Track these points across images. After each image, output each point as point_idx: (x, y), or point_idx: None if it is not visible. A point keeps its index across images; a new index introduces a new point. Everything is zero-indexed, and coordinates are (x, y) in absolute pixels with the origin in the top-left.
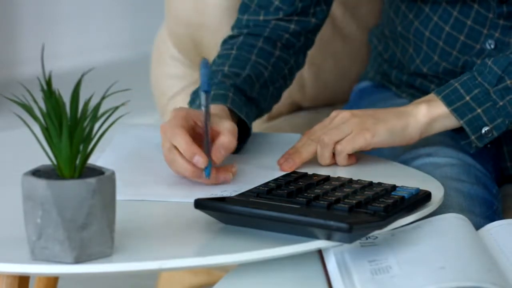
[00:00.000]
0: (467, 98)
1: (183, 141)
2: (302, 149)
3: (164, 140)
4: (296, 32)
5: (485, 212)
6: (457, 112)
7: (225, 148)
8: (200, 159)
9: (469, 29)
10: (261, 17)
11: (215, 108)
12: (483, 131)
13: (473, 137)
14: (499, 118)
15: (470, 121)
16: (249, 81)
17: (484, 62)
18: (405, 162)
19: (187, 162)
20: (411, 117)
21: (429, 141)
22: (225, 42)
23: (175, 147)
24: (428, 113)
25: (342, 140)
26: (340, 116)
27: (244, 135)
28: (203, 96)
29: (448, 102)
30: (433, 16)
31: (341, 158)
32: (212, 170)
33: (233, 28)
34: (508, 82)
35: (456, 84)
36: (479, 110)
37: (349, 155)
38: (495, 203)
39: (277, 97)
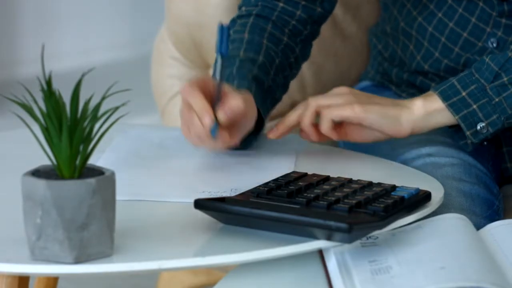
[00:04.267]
0: (463, 93)
1: (198, 100)
2: (286, 115)
3: (184, 102)
4: (302, 19)
5: (485, 211)
6: (453, 107)
7: (230, 109)
8: (207, 119)
9: (473, 26)
10: None
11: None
12: (478, 127)
13: (468, 133)
14: (495, 115)
15: (465, 116)
16: (264, 68)
17: (483, 59)
18: (406, 162)
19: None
20: (406, 108)
21: (430, 141)
22: (234, 22)
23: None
24: (423, 107)
25: (329, 108)
26: (338, 89)
27: (257, 130)
28: (219, 57)
29: (444, 97)
30: (438, 12)
31: (325, 123)
32: (220, 133)
33: (240, 6)
34: (505, 79)
35: (453, 80)
36: (474, 106)
37: (337, 130)
38: (496, 202)
39: (285, 87)
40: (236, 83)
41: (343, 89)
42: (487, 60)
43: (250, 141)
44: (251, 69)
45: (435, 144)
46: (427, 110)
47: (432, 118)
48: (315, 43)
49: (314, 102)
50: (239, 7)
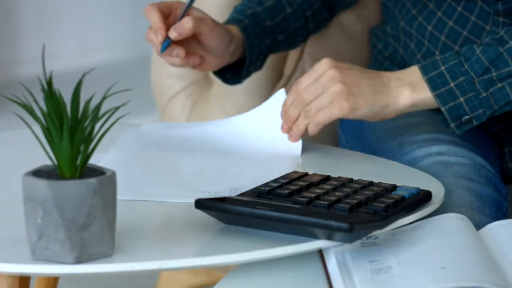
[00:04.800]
0: (452, 84)
1: (154, 17)
2: (295, 127)
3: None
4: None
5: (494, 212)
6: (440, 98)
7: (180, 26)
8: (158, 35)
9: (473, 24)
10: None
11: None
12: (463, 119)
13: (452, 125)
14: (481, 109)
15: (451, 109)
16: (270, 10)
17: (473, 49)
18: (415, 160)
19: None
20: (393, 97)
21: (439, 140)
22: None
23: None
24: (410, 98)
25: (319, 112)
26: (326, 76)
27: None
28: None
29: (433, 86)
30: (437, 11)
31: (314, 129)
32: (174, 48)
33: None
34: (494, 74)
35: (442, 68)
36: (461, 99)
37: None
38: (505, 204)
39: (296, 36)
40: (229, 17)
41: (330, 74)
42: (477, 51)
43: (240, 77)
44: (254, 7)
45: (444, 143)
46: (413, 100)
47: (417, 106)
48: (318, 41)
49: (304, 111)
50: None
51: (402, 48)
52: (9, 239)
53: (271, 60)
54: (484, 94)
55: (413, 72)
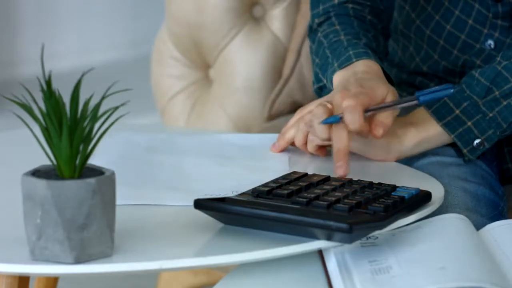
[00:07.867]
0: (457, 111)
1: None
2: (284, 130)
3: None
4: (375, 11)
5: (490, 212)
6: (448, 126)
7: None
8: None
9: (470, 28)
10: (336, 1)
11: (371, 68)
12: (474, 143)
13: (465, 151)
14: (490, 130)
15: (461, 134)
16: (370, 44)
17: (472, 74)
18: (411, 161)
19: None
20: (396, 137)
21: None
22: (315, 31)
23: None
24: (415, 137)
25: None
26: (338, 103)
27: None
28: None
29: (439, 117)
30: (435, 15)
31: (311, 147)
32: None
33: (312, 21)
34: (497, 93)
35: (445, 98)
36: (469, 123)
37: (320, 147)
38: (501, 204)
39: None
40: (352, 52)
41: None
42: (476, 75)
43: None
44: (363, 41)
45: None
46: (419, 139)
47: (423, 144)
48: None
49: (303, 128)
50: (312, 23)
51: (401, 50)
52: (8, 239)
53: (270, 61)
54: (490, 115)
55: (418, 110)
